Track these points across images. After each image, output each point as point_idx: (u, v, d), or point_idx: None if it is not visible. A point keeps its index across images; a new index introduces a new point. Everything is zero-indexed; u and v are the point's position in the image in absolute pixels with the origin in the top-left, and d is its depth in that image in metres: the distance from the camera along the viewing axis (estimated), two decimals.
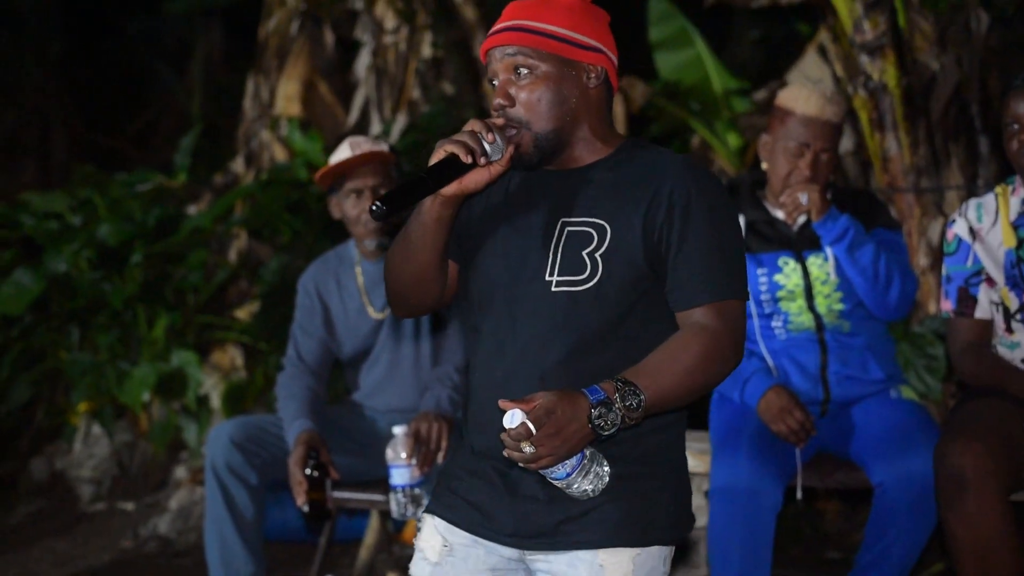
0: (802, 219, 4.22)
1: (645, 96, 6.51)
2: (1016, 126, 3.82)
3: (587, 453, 2.58)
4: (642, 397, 2.54)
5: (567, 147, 2.76)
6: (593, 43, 2.75)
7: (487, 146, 2.65)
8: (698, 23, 6.96)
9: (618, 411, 2.52)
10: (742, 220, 4.26)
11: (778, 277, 4.19)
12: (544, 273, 2.70)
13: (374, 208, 2.57)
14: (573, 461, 2.55)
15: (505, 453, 2.53)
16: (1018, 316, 3.91)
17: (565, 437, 2.50)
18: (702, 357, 2.60)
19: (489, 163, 2.67)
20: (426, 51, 7.08)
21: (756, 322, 4.23)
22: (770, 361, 4.20)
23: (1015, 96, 3.83)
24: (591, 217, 2.70)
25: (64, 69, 11.43)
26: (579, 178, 2.76)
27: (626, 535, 2.68)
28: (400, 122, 6.93)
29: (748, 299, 2.72)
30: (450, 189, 2.66)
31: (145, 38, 11.43)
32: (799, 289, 4.18)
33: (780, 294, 4.19)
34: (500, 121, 2.71)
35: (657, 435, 2.73)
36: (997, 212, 3.96)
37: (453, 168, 2.63)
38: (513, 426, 2.49)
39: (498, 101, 2.73)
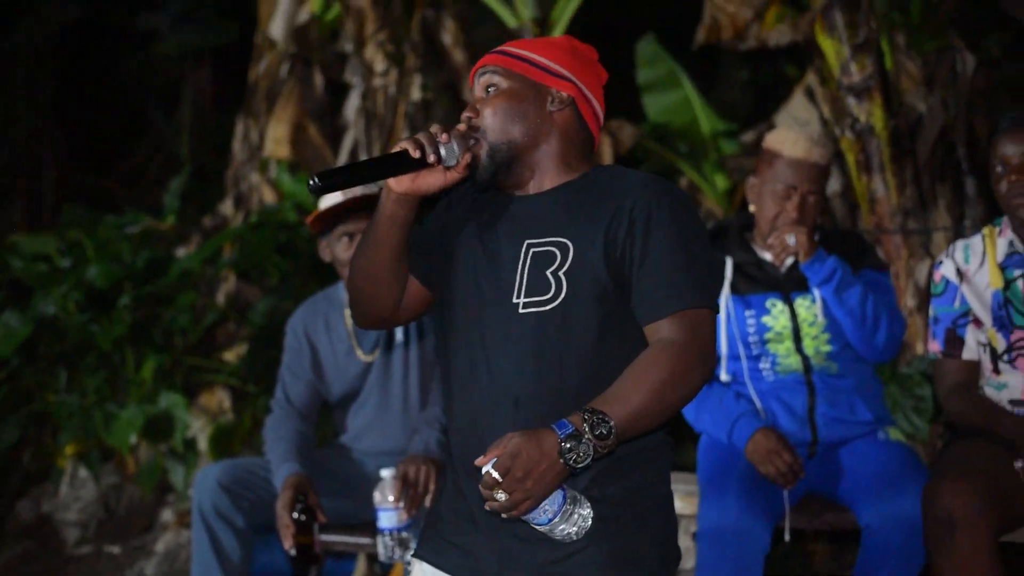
0: (790, 261, 4.22)
1: (633, 138, 6.53)
2: (1005, 167, 3.83)
3: (567, 496, 2.57)
4: (611, 424, 2.53)
5: (525, 167, 2.81)
6: (561, 70, 2.83)
7: (442, 149, 2.70)
8: (686, 65, 7.00)
9: (588, 442, 2.51)
10: (730, 262, 4.26)
11: (766, 319, 4.19)
12: (512, 295, 2.73)
13: (311, 183, 2.63)
14: (554, 506, 2.55)
15: (487, 506, 2.54)
16: (1005, 357, 3.91)
17: (536, 478, 2.50)
18: (670, 374, 2.59)
19: (444, 167, 2.73)
20: (415, 94, 7.08)
21: (744, 364, 4.22)
22: (758, 403, 4.19)
23: (1003, 138, 3.84)
24: (554, 236, 2.74)
25: (55, 110, 11.43)
26: (544, 200, 2.81)
27: None
28: None
29: (717, 310, 2.72)
30: (402, 186, 2.71)
31: (136, 80, 11.44)
32: (787, 331, 4.18)
33: (768, 336, 4.19)
34: (461, 127, 2.77)
35: (639, 472, 2.72)
36: (984, 253, 3.97)
37: (402, 161, 2.68)
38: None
39: (466, 113, 2.81)
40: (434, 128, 2.73)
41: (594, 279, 2.68)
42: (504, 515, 2.54)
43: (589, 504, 2.61)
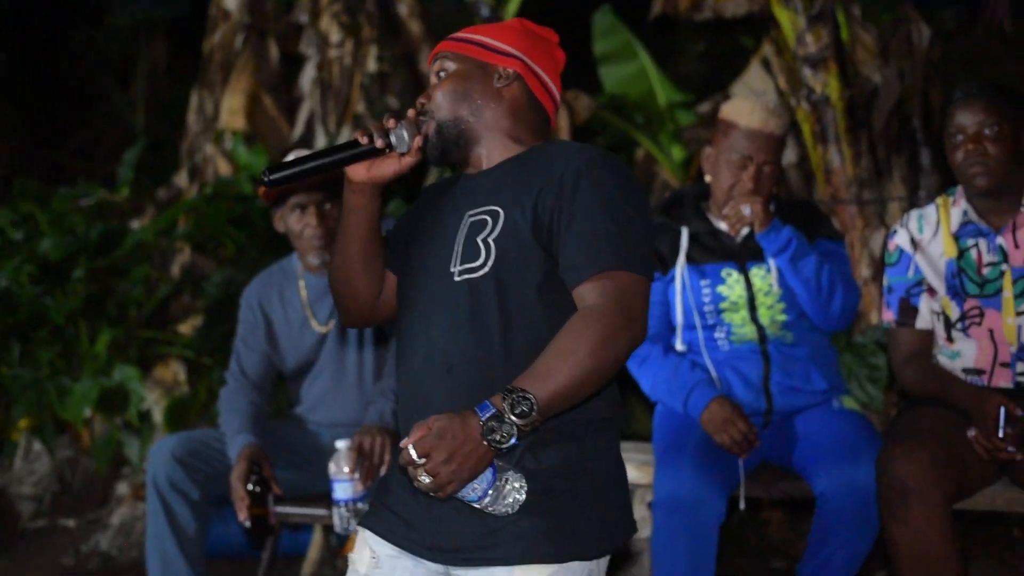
0: (745, 231, 4.23)
1: (590, 109, 6.53)
2: (960, 137, 3.85)
3: (498, 473, 2.57)
4: (533, 401, 2.53)
5: (475, 143, 2.89)
6: (506, 48, 2.91)
7: (391, 135, 2.77)
8: (643, 36, 6.98)
9: (510, 422, 2.52)
10: (685, 232, 4.26)
11: (721, 288, 4.20)
12: (449, 265, 2.78)
13: (262, 177, 2.71)
14: (483, 484, 2.56)
15: (415, 485, 2.55)
16: (959, 326, 3.93)
17: (461, 460, 2.51)
18: (593, 344, 2.57)
19: (397, 153, 2.80)
20: (371, 65, 7.05)
21: (700, 333, 4.23)
22: (713, 372, 4.20)
23: (959, 108, 3.86)
24: (488, 205, 2.78)
25: (7, 83, 11.33)
26: (492, 173, 2.87)
27: (540, 552, 2.65)
28: (345, 136, 6.90)
29: (648, 275, 2.69)
30: (358, 176, 2.80)
31: (89, 52, 11.34)
32: (742, 300, 4.19)
33: (723, 305, 4.20)
34: (411, 113, 2.84)
35: (579, 443, 2.72)
36: (938, 223, 3.99)
37: (352, 150, 2.76)
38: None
39: (419, 100, 2.90)
40: (385, 117, 2.80)
41: (521, 243, 2.71)
42: (431, 493, 2.55)
43: (523, 477, 2.61)
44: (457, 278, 2.75)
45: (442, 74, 2.90)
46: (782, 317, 4.21)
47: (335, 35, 7.13)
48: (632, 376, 4.34)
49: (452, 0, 7.29)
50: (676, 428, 4.13)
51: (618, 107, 6.52)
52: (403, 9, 7.27)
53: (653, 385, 4.24)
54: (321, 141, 6.97)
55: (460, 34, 2.95)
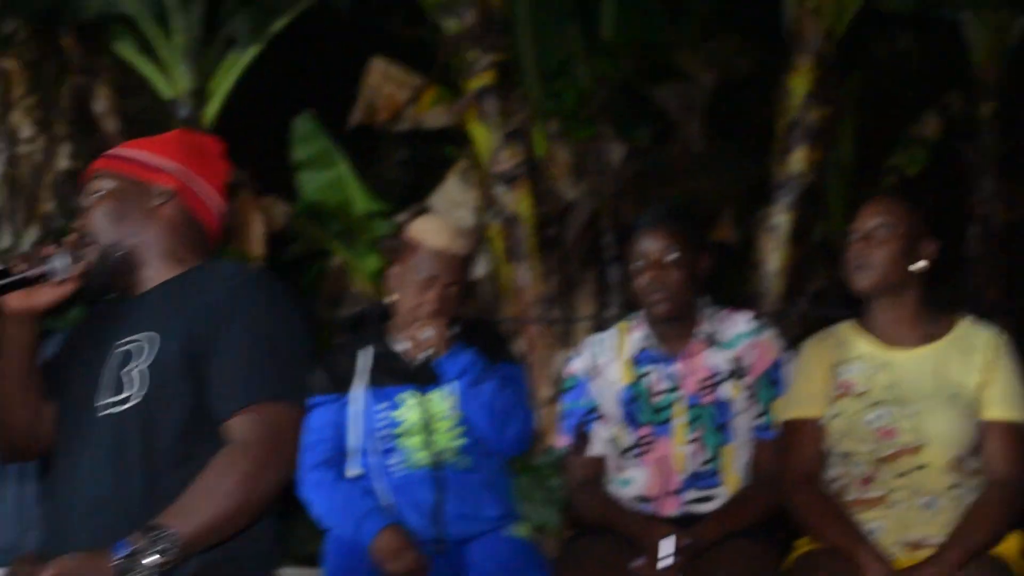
0: (426, 353, 4.19)
1: (285, 216, 6.47)
2: (642, 263, 3.91)
3: None
4: (175, 538, 2.43)
5: (136, 267, 2.77)
6: (162, 164, 2.81)
7: (50, 262, 2.65)
8: (346, 142, 6.97)
9: (147, 562, 2.41)
10: (368, 353, 4.19)
11: (397, 413, 4.13)
12: (94, 399, 2.65)
13: None
14: None
15: None
16: (631, 453, 3.96)
17: None
18: (240, 479, 2.51)
19: (56, 280, 2.66)
20: (63, 162, 6.85)
21: (375, 458, 4.15)
22: (387, 499, 4.12)
23: (644, 233, 3.92)
24: (137, 333, 2.67)
25: None
26: (147, 297, 2.76)
27: None
28: (32, 235, 6.67)
29: (300, 403, 2.66)
30: (14, 305, 2.64)
31: None
32: (418, 425, 4.13)
33: (399, 430, 4.13)
34: (72, 237, 2.73)
35: None
36: (616, 349, 4.03)
37: (5, 279, 2.62)
38: None
39: (76, 223, 2.79)
40: (44, 243, 2.71)
41: (170, 375, 2.61)
42: None
43: None
44: (100, 413, 2.63)
45: (96, 193, 2.79)
46: (459, 442, 4.16)
47: (27, 130, 6.92)
48: (305, 501, 4.23)
49: (150, 98, 7.16)
50: (347, 557, 4.03)
51: (315, 215, 6.48)
52: (100, 105, 7.12)
53: (327, 512, 4.13)
54: (6, 240, 6.72)
55: (116, 150, 2.87)
